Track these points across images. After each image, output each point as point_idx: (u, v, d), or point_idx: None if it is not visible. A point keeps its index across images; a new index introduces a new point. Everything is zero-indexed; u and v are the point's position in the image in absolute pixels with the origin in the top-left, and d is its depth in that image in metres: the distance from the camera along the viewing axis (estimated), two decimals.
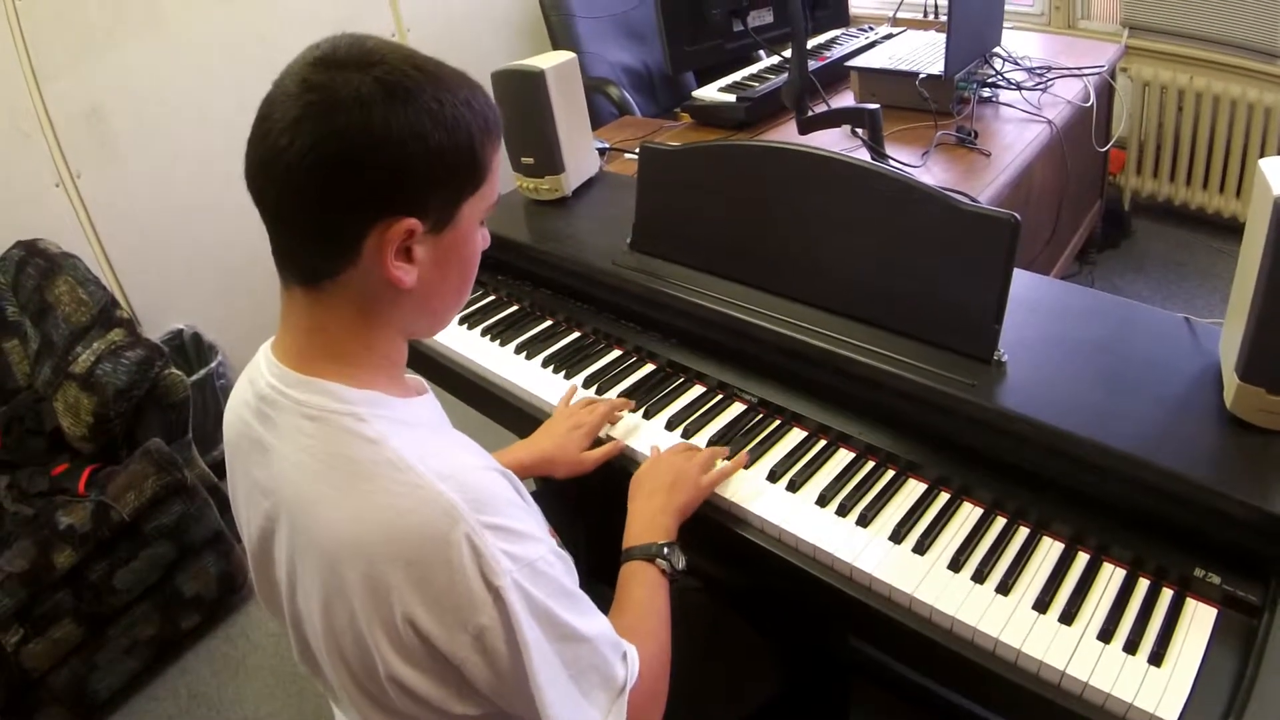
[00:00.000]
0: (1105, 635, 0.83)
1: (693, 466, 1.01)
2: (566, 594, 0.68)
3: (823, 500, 1.00)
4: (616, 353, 1.29)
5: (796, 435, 1.09)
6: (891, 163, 1.47)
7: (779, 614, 1.12)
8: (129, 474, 1.69)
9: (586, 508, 1.28)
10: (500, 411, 1.33)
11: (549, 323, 1.39)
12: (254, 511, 0.73)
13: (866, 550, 0.93)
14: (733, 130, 1.91)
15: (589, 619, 0.70)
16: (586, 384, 1.23)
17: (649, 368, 1.25)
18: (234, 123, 2.28)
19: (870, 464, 1.04)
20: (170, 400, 1.79)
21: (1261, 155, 2.50)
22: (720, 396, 1.17)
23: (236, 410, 0.74)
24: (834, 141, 1.73)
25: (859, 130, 1.43)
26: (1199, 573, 0.85)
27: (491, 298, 1.48)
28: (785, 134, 1.90)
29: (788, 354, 1.11)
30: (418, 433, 0.68)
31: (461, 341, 1.39)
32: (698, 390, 1.19)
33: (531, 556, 0.65)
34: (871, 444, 1.05)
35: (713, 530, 1.03)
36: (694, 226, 1.24)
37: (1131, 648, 0.81)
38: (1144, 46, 2.60)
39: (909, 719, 1.41)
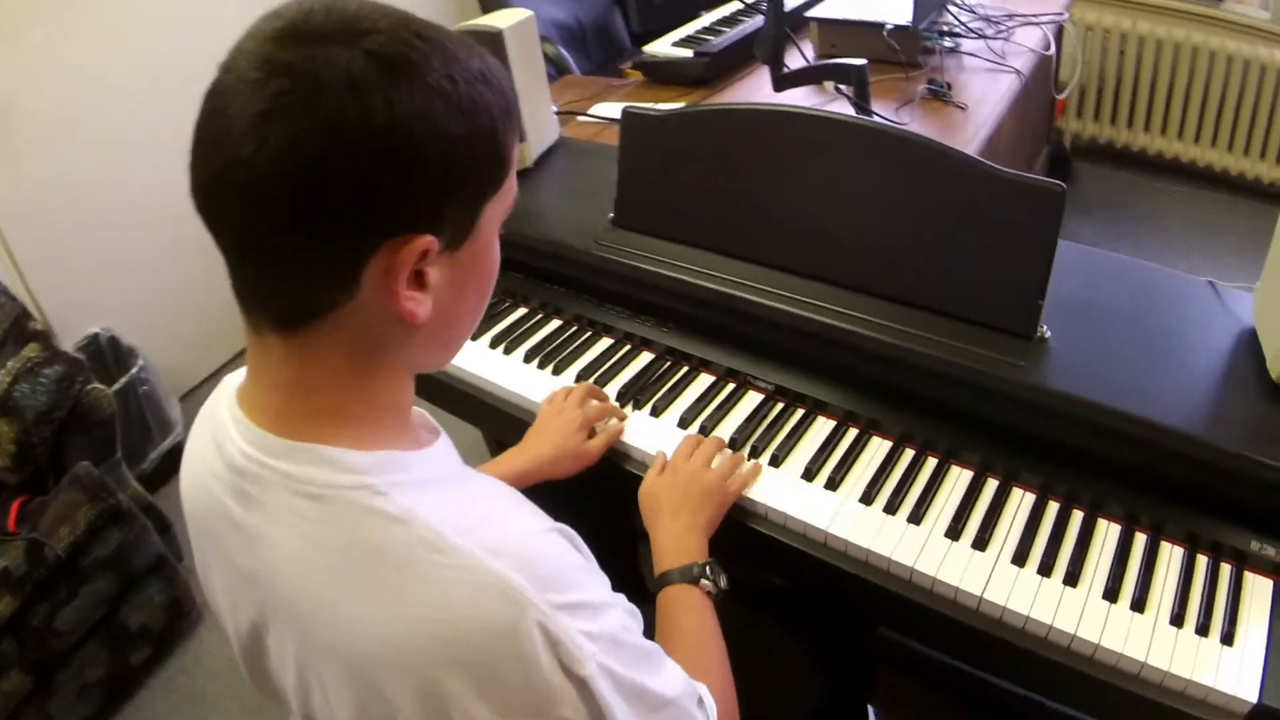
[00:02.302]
0: (1177, 620, 0.82)
1: (714, 476, 0.95)
2: (646, 656, 0.60)
3: (867, 498, 0.95)
4: (606, 341, 1.21)
5: (824, 425, 1.04)
6: (878, 120, 1.42)
7: (812, 613, 1.08)
8: (59, 505, 1.56)
9: (583, 506, 1.21)
10: (480, 415, 1.23)
11: (523, 310, 1.29)
12: (241, 600, 0.61)
13: (924, 550, 0.89)
14: (691, 87, 1.82)
15: (668, 675, 0.62)
16: (580, 379, 1.15)
17: (647, 357, 1.17)
18: (148, 106, 2.10)
19: (909, 452, 0.99)
20: (95, 418, 1.66)
21: (1204, 97, 2.60)
22: (733, 386, 1.10)
23: (202, 482, 0.61)
24: (805, 98, 1.67)
25: (842, 87, 1.37)
26: (1255, 546, 0.86)
27: None
28: (751, 89, 1.83)
29: (807, 336, 1.05)
30: (447, 493, 0.57)
31: None
32: (706, 380, 1.12)
33: (612, 629, 0.56)
34: (907, 431, 1.01)
35: (750, 537, 0.97)
36: (689, 199, 1.15)
37: (1203, 630, 0.81)
38: None
39: (931, 700, 1.41)
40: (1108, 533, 0.90)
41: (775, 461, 1.00)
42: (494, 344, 1.23)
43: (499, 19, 1.31)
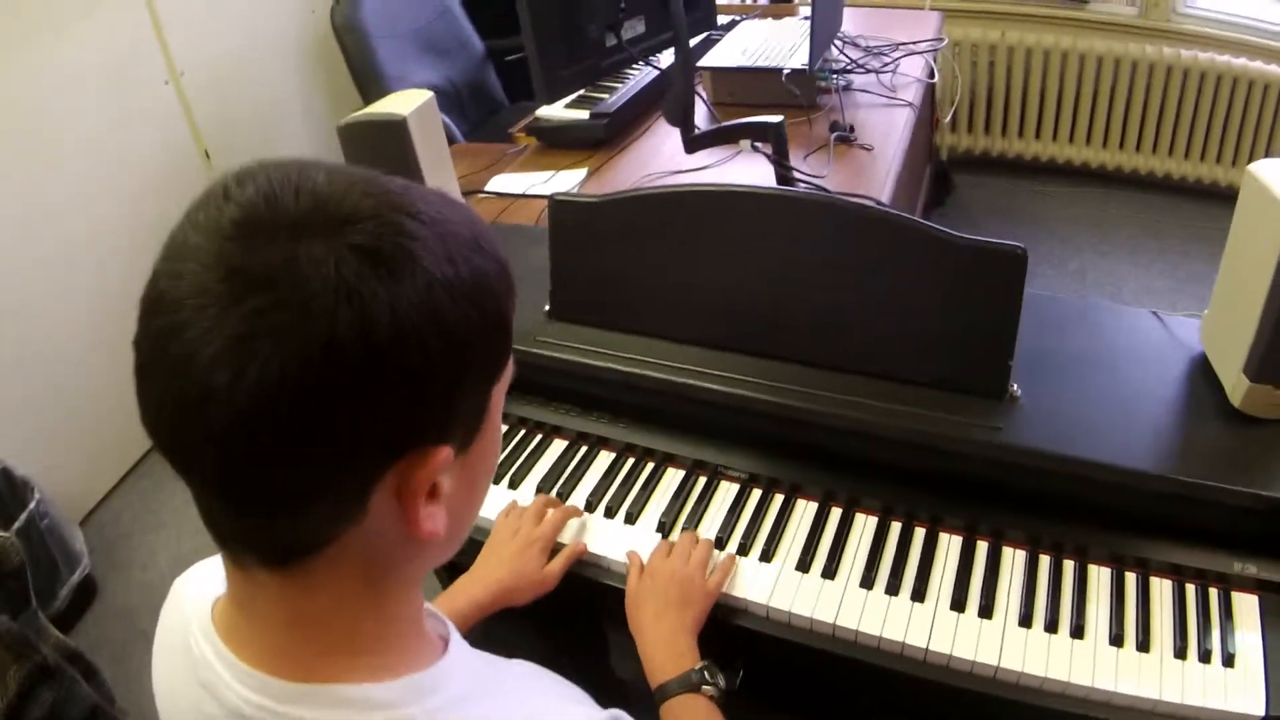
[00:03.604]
0: (1180, 653, 0.88)
1: (693, 571, 0.95)
2: None
3: (868, 581, 0.96)
4: (559, 445, 1.19)
5: (806, 509, 1.05)
6: (797, 175, 1.47)
7: (811, 694, 1.09)
8: None
9: (546, 625, 1.19)
10: None
11: None
12: None
13: (934, 628, 0.91)
14: (590, 150, 1.84)
15: None
16: (540, 491, 1.12)
17: (607, 457, 1.16)
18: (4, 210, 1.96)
19: (896, 525, 1.02)
20: (6, 569, 1.59)
21: (1076, 98, 2.81)
22: (704, 479, 1.10)
23: None
24: (713, 153, 1.71)
25: (759, 145, 1.42)
26: (1237, 567, 0.92)
27: None
28: (655, 146, 1.85)
29: (774, 420, 1.07)
30: (491, 704, 0.54)
31: None
32: (675, 475, 1.11)
33: None
34: (888, 503, 1.03)
35: (752, 640, 0.97)
36: (630, 286, 1.15)
37: (1205, 657, 0.87)
38: (951, 7, 2.82)
39: None
40: (1100, 578, 0.95)
41: (766, 556, 1.00)
42: None
43: (399, 104, 1.28)
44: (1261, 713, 0.83)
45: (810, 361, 1.07)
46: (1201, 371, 1.03)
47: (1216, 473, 0.91)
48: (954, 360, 1.00)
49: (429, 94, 1.32)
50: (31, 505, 1.96)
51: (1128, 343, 1.09)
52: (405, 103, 1.28)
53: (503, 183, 1.75)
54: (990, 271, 0.96)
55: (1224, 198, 2.84)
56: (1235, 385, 0.96)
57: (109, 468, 2.34)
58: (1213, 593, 0.92)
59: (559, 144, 1.86)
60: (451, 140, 2.13)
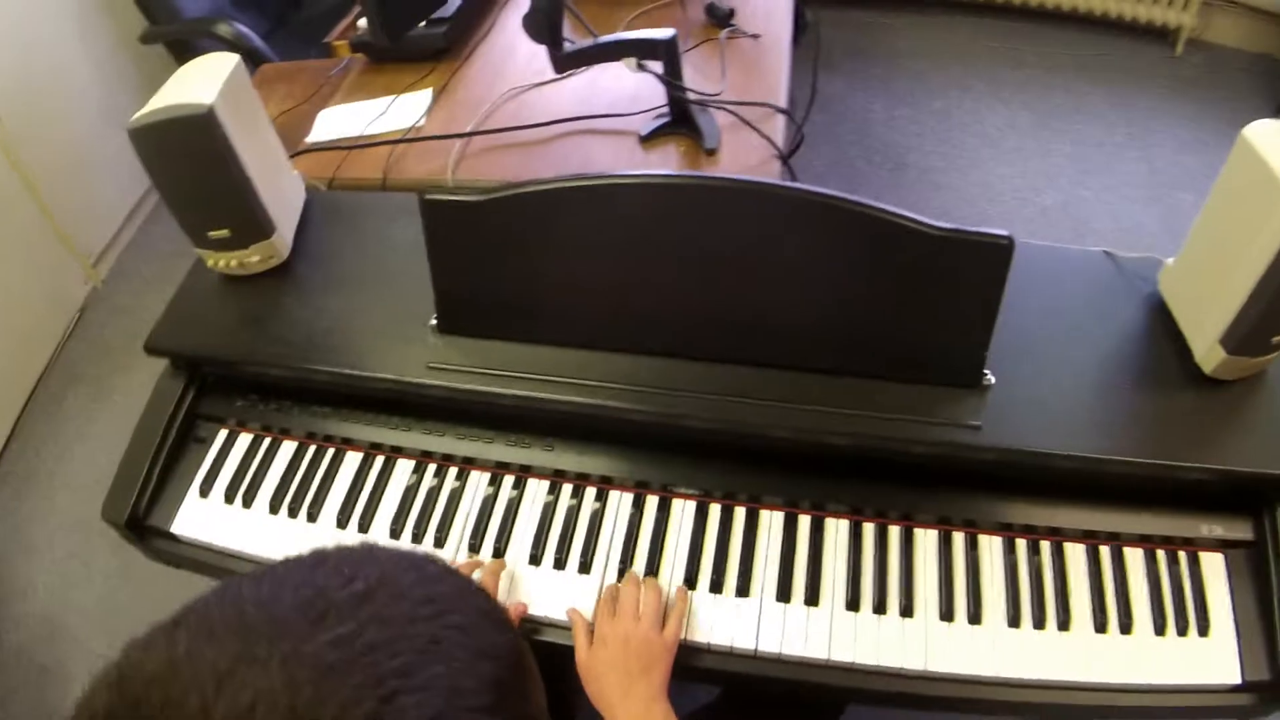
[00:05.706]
0: (1160, 628, 0.89)
1: (647, 630, 0.88)
2: None
3: (852, 604, 0.90)
4: (480, 477, 1.03)
5: (772, 521, 0.96)
6: (690, 95, 1.28)
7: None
8: None
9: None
10: None
11: (356, 457, 1.07)
12: None
13: (929, 647, 0.88)
14: (430, 62, 1.55)
15: None
16: (472, 548, 0.98)
17: (539, 486, 1.02)
18: None
19: (870, 527, 0.95)
20: None
21: None
22: (655, 500, 0.99)
23: None
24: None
25: (647, 63, 1.21)
26: (1204, 530, 0.93)
27: (244, 437, 1.10)
28: (505, 52, 1.59)
29: (722, 435, 0.96)
30: None
31: (224, 527, 1.03)
32: (622, 500, 0.99)
33: None
34: (858, 504, 0.96)
35: (743, 681, 0.90)
36: (534, 291, 0.98)
37: (1183, 630, 0.88)
38: None
39: None
40: (1077, 558, 0.93)
41: (743, 590, 0.92)
42: (341, 521, 1.02)
43: (197, 82, 0.99)
44: (1238, 680, 0.85)
45: (758, 362, 0.95)
46: (1163, 326, 0.99)
47: (1191, 448, 0.90)
48: (924, 354, 0.91)
49: (234, 59, 1.03)
50: None
51: (1085, 293, 1.02)
52: (205, 80, 0.99)
53: (331, 120, 1.46)
54: (969, 263, 0.85)
55: (1082, 21, 2.81)
56: (1208, 354, 0.91)
57: None
58: (1181, 555, 0.92)
59: (391, 58, 1.56)
60: (259, 59, 1.77)
